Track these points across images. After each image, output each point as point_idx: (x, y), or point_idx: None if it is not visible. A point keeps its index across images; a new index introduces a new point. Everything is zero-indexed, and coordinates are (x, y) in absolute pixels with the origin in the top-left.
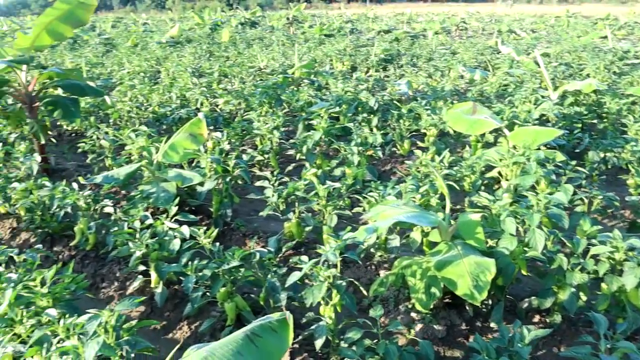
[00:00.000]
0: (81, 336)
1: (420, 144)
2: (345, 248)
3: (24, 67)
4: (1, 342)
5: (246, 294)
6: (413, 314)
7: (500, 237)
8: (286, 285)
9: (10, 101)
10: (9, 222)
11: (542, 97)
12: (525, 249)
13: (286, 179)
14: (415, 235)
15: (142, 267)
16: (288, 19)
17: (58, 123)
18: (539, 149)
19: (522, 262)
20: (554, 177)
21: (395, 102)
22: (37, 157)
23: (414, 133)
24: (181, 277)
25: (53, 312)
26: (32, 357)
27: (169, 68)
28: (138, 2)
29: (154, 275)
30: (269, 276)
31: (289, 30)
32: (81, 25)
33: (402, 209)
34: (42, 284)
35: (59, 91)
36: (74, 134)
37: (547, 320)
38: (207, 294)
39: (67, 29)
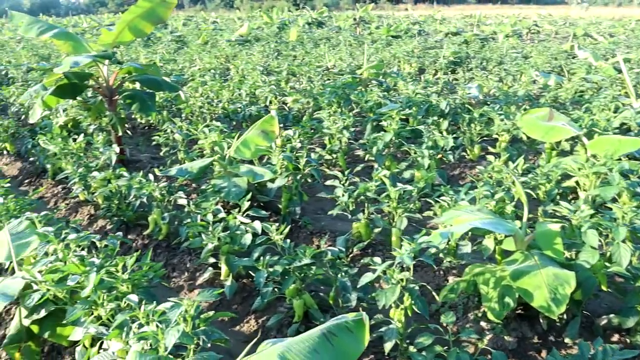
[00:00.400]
0: (159, 324)
1: (491, 149)
2: (418, 252)
3: (106, 61)
4: (84, 323)
5: (313, 291)
6: (482, 323)
7: (581, 250)
8: (358, 286)
9: (90, 94)
10: (87, 209)
11: (623, 104)
12: (607, 263)
13: (356, 179)
14: (488, 242)
15: (212, 260)
16: (355, 19)
17: (132, 116)
18: (620, 159)
19: (603, 277)
20: (638, 189)
21: (466, 105)
22: (116, 148)
23: (484, 138)
24: (250, 271)
25: (134, 298)
26: (111, 340)
27: (239, 66)
28: (208, 1)
29: (224, 268)
30: (339, 275)
31: (355, 30)
32: (160, 22)
33: (476, 215)
34: (123, 270)
35: (137, 85)
36: (146, 127)
37: (628, 340)
38: (277, 289)
39: (148, 26)
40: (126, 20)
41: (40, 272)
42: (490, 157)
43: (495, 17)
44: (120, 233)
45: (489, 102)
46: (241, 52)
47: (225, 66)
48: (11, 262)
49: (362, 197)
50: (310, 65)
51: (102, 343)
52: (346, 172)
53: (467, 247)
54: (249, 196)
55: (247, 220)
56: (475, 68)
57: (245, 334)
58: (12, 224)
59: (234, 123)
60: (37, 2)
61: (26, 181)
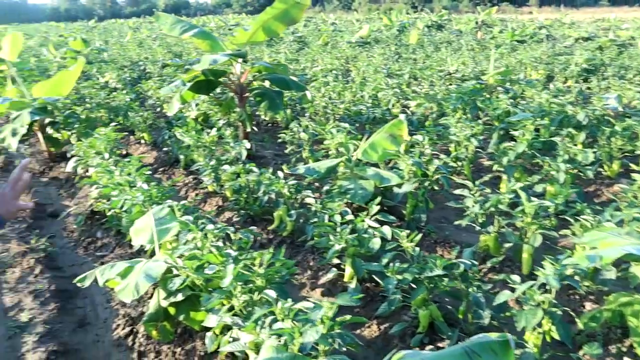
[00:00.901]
0: (295, 322)
1: (633, 166)
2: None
3: (239, 60)
4: (218, 311)
5: (437, 302)
6: (626, 359)
7: None
8: (494, 304)
9: (219, 90)
10: (216, 200)
11: None
12: None
13: (487, 190)
14: (637, 270)
15: (336, 260)
16: (477, 22)
17: (256, 113)
18: None
19: None
20: None
21: (607, 117)
22: (247, 144)
23: (626, 154)
24: (373, 276)
25: (272, 293)
26: (244, 331)
27: (360, 67)
28: (326, 3)
29: (348, 270)
30: (471, 290)
31: (476, 34)
32: (293, 23)
33: (626, 239)
34: (260, 264)
35: (266, 84)
36: (269, 124)
37: None
38: (404, 297)
39: (280, 27)
40: (261, 20)
41: (179, 257)
42: (637, 176)
43: (632, 21)
44: (254, 228)
45: (629, 115)
46: (361, 54)
47: (346, 67)
48: (152, 245)
49: (492, 209)
50: (431, 69)
51: (230, 331)
52: (477, 182)
53: (611, 273)
54: (377, 200)
55: (376, 225)
56: (612, 77)
57: (366, 339)
58: (155, 210)
59: (357, 125)
60: (170, 4)
61: (160, 169)
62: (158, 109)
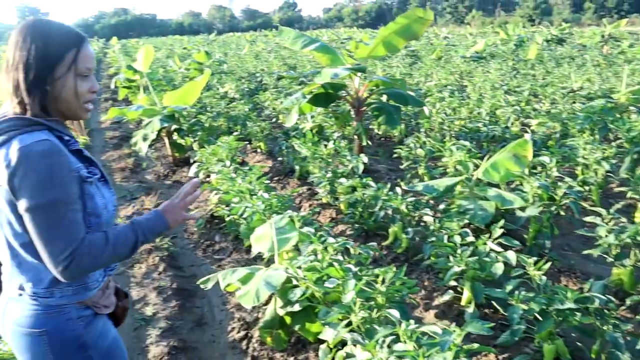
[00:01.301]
0: (417, 345)
1: None
2: None
3: (358, 74)
4: (336, 325)
5: (563, 337)
6: None
7: None
8: (638, 347)
9: (334, 103)
10: (330, 212)
11: None
12: None
13: (622, 218)
14: None
15: (453, 283)
16: (602, 36)
17: (370, 126)
18: None
19: None
20: None
21: None
22: (364, 158)
23: None
24: (493, 302)
25: (395, 313)
26: (362, 349)
27: (476, 83)
28: (438, 17)
29: (466, 294)
30: (606, 328)
31: (602, 49)
32: (414, 39)
33: None
34: (382, 282)
35: (383, 98)
36: (382, 138)
37: None
38: (527, 328)
39: (401, 42)
40: (382, 35)
41: (299, 268)
42: None
43: None
44: (373, 244)
45: None
46: (476, 69)
47: (461, 83)
48: (270, 254)
49: (627, 240)
50: (553, 85)
51: (345, 347)
52: (611, 210)
53: None
54: (501, 222)
55: (499, 248)
56: None
57: None
58: (276, 219)
59: (474, 142)
60: (284, 18)
61: (275, 178)
62: (274, 119)
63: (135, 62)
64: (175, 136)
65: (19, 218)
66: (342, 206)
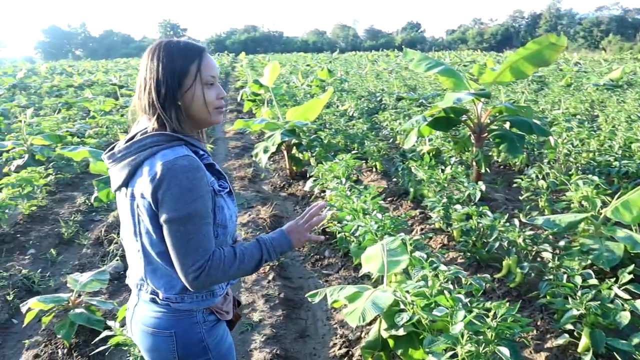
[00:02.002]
0: None
1: None
2: None
3: (482, 99)
4: (440, 355)
5: None
6: None
7: None
8: None
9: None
10: (441, 238)
11: None
12: None
13: None
14: None
15: (569, 326)
16: None
17: (489, 153)
18: None
19: None
20: None
21: None
22: (482, 186)
23: None
24: (613, 353)
25: (505, 351)
26: None
27: (609, 113)
28: (571, 41)
29: (584, 340)
30: None
31: None
32: (545, 65)
33: None
34: (493, 316)
35: (507, 125)
36: (501, 166)
37: None
38: None
39: (530, 69)
40: (511, 61)
41: (407, 292)
42: None
43: None
44: (486, 276)
45: None
46: (610, 98)
47: (592, 112)
48: (379, 274)
49: None
50: None
51: None
52: None
53: None
54: (630, 268)
55: (626, 296)
56: None
57: None
58: (387, 240)
59: (603, 177)
60: (407, 39)
61: (388, 199)
62: (391, 140)
63: (262, 77)
64: (294, 150)
65: (158, 228)
66: (455, 233)
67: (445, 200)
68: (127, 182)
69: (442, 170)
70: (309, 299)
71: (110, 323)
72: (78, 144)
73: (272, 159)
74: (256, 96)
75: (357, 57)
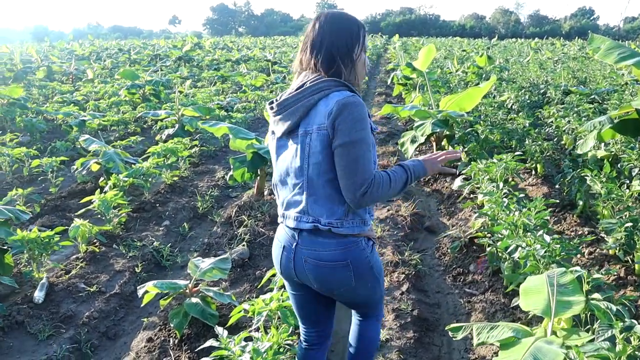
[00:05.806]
0: None
1: None
2: None
3: None
4: None
5: None
6: None
7: None
8: None
9: None
10: (615, 268)
11: None
12: None
13: None
14: None
15: None
16: None
17: None
18: None
19: None
20: None
21: None
22: None
23: None
24: None
25: None
26: None
27: None
28: None
29: None
30: None
31: None
32: None
33: None
34: None
35: None
36: None
37: None
38: None
39: None
40: None
41: (583, 352)
42: None
43: None
44: None
45: None
46: None
47: None
48: (542, 315)
49: None
50: None
51: None
52: None
53: None
54: None
55: None
56: None
57: None
58: (556, 272)
59: None
60: (576, 27)
61: (548, 210)
62: (555, 139)
63: (415, 60)
64: (444, 142)
65: (330, 156)
66: (637, 267)
67: (629, 224)
68: (298, 123)
69: (628, 186)
70: (450, 334)
71: (218, 330)
72: (224, 118)
73: (418, 149)
74: (407, 80)
75: (517, 44)
